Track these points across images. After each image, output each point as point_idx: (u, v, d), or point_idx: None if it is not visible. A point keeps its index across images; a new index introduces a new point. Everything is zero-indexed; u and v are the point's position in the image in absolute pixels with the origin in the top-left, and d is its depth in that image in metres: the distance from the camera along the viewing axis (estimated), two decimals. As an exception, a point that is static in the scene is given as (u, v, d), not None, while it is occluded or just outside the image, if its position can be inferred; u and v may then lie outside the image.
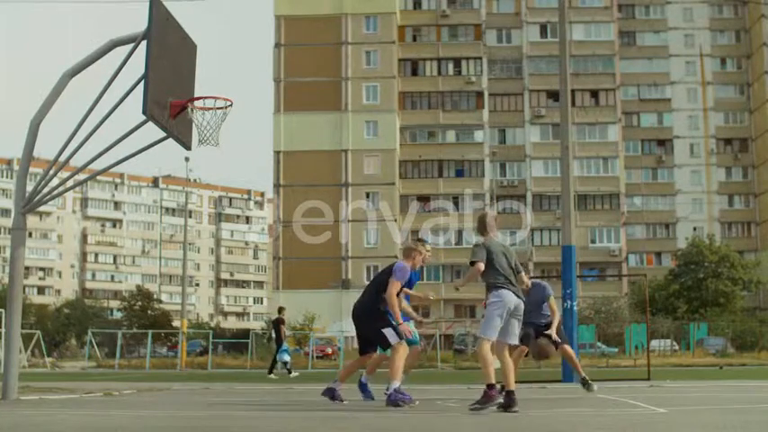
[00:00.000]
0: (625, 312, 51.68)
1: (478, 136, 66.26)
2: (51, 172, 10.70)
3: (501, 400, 7.82)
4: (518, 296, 8.12)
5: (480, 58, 66.89)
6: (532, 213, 64.20)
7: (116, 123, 10.61)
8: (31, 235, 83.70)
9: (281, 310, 23.15)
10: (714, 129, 69.08)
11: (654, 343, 38.09)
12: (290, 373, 21.96)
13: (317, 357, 37.73)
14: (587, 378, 11.24)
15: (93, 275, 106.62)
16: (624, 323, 43.74)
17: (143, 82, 10.03)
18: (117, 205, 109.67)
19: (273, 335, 24.27)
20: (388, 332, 8.74)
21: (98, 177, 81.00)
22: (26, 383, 12.33)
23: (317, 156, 62.43)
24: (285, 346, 22.49)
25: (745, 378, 16.76)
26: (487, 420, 7.15)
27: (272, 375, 21.17)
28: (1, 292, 55.79)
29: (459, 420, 7.19)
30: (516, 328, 8.16)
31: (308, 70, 63.62)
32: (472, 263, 8.14)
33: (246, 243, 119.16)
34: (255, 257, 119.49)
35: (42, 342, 34.23)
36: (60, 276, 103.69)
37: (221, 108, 10.70)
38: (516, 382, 8.05)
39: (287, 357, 22.53)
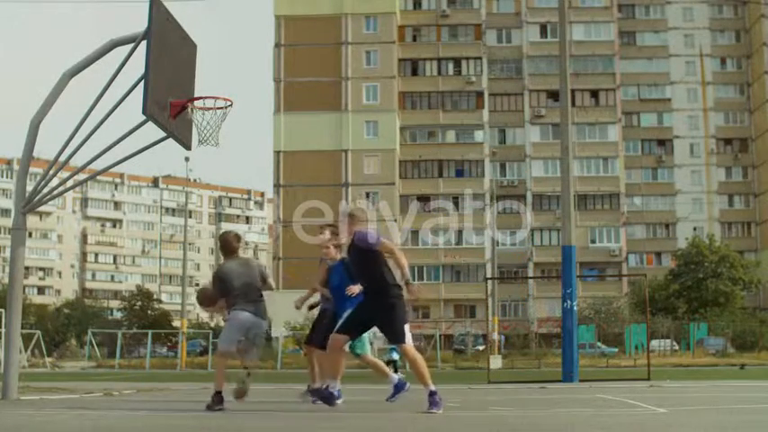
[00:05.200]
0: (625, 312, 51.72)
1: (478, 136, 66.22)
2: (51, 172, 10.70)
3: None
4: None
5: (480, 58, 66.84)
6: (532, 213, 64.12)
7: (116, 123, 10.62)
8: (31, 235, 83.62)
9: None
10: (714, 129, 69.03)
11: (654, 343, 38.11)
12: (396, 371, 21.98)
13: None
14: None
15: (93, 275, 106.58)
16: (624, 323, 43.82)
17: (143, 82, 10.04)
18: (117, 205, 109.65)
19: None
20: None
21: (98, 177, 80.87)
22: (26, 383, 12.33)
23: (317, 156, 62.39)
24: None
25: (747, 378, 16.76)
26: (488, 420, 7.15)
27: None
28: (1, 292, 55.76)
29: (458, 420, 7.19)
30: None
31: (308, 70, 63.58)
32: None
33: (246, 243, 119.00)
34: (255, 257, 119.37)
35: (42, 342, 34.24)
36: (60, 276, 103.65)
37: (221, 108, 10.69)
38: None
39: (395, 356, 22.65)
